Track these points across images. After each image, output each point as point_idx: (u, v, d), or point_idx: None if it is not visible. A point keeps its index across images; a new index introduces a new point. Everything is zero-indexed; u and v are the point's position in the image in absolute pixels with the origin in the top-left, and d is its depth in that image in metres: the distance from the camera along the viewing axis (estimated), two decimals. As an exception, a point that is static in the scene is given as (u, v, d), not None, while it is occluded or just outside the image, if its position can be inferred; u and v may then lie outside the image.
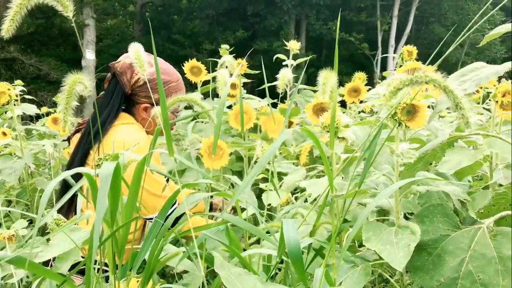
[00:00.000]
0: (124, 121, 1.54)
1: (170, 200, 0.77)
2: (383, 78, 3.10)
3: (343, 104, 2.27)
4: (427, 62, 0.90)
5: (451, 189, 0.89)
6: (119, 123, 1.53)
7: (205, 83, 2.49)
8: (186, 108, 2.44)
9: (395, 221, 0.90)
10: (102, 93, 1.67)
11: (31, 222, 2.30)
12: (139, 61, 0.75)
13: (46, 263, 1.09)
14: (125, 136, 1.48)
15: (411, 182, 0.89)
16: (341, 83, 2.08)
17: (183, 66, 2.36)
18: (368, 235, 0.82)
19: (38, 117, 3.94)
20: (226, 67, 1.34)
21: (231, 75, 1.88)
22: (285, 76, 0.93)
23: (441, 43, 0.83)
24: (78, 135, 1.62)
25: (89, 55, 14.84)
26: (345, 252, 0.88)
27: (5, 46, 14.83)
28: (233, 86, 2.54)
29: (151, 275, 0.67)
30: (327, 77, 0.67)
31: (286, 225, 0.61)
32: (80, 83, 0.63)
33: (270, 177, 1.04)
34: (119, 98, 1.56)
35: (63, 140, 2.97)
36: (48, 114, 3.62)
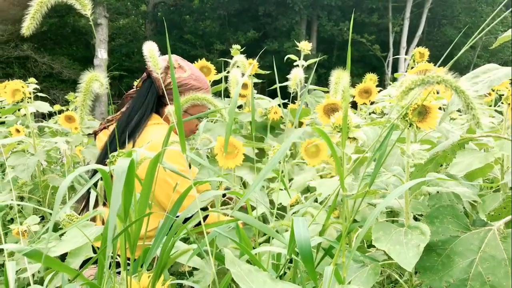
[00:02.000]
0: (155, 121, 1.58)
1: (182, 197, 0.78)
2: (394, 79, 3.09)
3: (353, 105, 2.28)
4: (438, 64, 0.90)
5: (461, 191, 0.89)
6: (151, 123, 1.56)
7: (215, 83, 2.50)
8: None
9: (404, 221, 0.90)
10: (132, 90, 1.70)
11: (43, 218, 2.32)
12: (153, 59, 0.76)
13: (63, 259, 1.11)
14: (160, 135, 1.51)
15: (421, 182, 0.89)
16: (352, 84, 2.08)
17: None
18: (378, 235, 0.82)
19: (50, 114, 3.99)
20: (238, 66, 1.35)
21: (243, 75, 1.89)
22: (296, 76, 0.94)
23: (452, 44, 0.83)
24: (106, 132, 1.64)
25: (102, 54, 14.96)
26: (354, 252, 0.88)
27: (19, 45, 15.00)
28: (244, 86, 2.55)
29: (162, 271, 0.68)
30: (340, 77, 0.67)
31: (297, 223, 0.61)
32: (96, 81, 0.64)
33: (281, 176, 1.04)
34: (153, 99, 1.59)
35: (89, 134, 3.02)
36: (60, 112, 3.66)
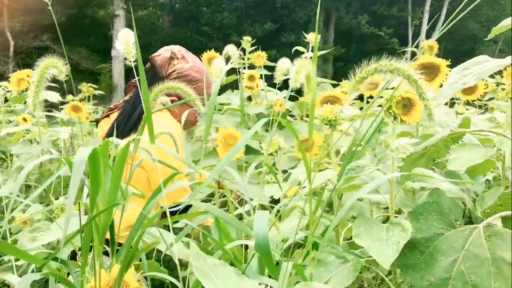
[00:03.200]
0: (156, 109, 1.59)
1: (158, 189, 0.76)
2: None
3: (361, 97, 2.25)
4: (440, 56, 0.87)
5: (447, 187, 0.86)
6: (153, 111, 1.58)
7: (227, 74, 2.50)
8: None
9: (390, 217, 0.88)
10: (135, 79, 1.70)
11: (47, 206, 2.34)
12: (126, 47, 0.75)
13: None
14: (164, 122, 1.52)
15: (406, 176, 0.86)
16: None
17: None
18: (358, 230, 0.79)
19: (64, 104, 4.03)
20: (229, 56, 1.33)
21: (254, 67, 1.85)
22: (283, 66, 0.92)
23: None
24: (108, 120, 1.65)
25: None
26: (338, 248, 0.86)
27: (38, 35, 15.19)
28: (251, 77, 2.53)
29: (130, 262, 0.67)
30: (302, 65, 0.64)
31: (257, 217, 0.59)
32: (53, 67, 0.63)
33: (271, 168, 1.02)
34: None
35: (91, 121, 3.04)
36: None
